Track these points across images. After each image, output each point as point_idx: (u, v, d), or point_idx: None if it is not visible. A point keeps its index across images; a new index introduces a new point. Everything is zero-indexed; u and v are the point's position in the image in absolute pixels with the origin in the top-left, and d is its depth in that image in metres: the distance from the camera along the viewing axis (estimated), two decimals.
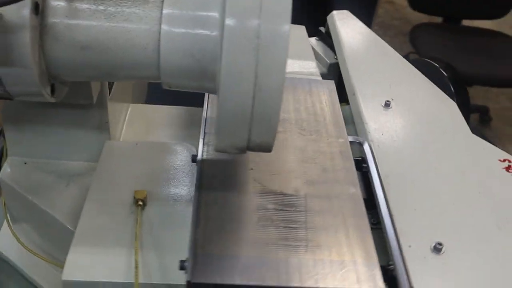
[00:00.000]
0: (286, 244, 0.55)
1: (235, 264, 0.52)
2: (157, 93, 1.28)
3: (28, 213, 0.89)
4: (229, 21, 0.48)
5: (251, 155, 0.66)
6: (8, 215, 0.94)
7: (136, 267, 0.65)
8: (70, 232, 0.81)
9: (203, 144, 0.66)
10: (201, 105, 1.07)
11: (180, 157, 0.83)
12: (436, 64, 1.07)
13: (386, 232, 0.61)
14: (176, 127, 1.03)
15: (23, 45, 0.54)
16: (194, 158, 0.65)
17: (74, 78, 0.61)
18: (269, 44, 0.48)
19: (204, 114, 0.71)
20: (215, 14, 0.54)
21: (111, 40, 0.56)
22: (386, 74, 0.98)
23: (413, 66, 1.03)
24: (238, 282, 0.50)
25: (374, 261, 0.55)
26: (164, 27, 0.55)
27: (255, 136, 0.52)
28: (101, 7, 0.56)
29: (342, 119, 0.75)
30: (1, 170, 0.90)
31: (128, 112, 1.03)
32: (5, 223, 1.02)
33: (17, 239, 0.93)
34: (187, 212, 0.74)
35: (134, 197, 0.74)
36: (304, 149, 0.67)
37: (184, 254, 0.68)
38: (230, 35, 0.48)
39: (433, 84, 0.98)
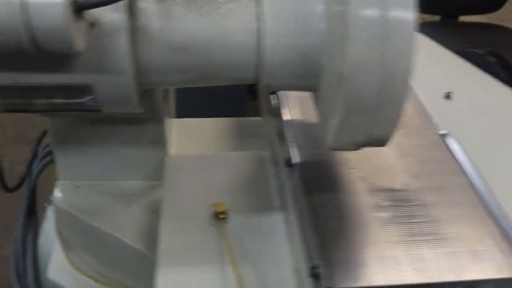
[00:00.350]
0: (413, 240, 0.52)
1: (371, 265, 0.49)
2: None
3: (86, 238, 0.85)
4: (353, 10, 0.45)
5: (347, 153, 0.63)
6: (62, 242, 0.90)
7: (241, 283, 0.61)
8: (138, 253, 0.78)
9: (297, 147, 0.63)
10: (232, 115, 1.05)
11: (249, 166, 0.80)
12: (480, 52, 1.05)
13: (501, 224, 0.58)
14: (225, 138, 1.00)
15: (120, 49, 0.50)
16: (288, 163, 0.62)
17: (164, 84, 0.58)
18: (396, 30, 0.45)
19: (286, 117, 0.67)
20: (319, 6, 0.51)
21: (210, 39, 0.52)
22: (436, 66, 0.96)
23: (457, 56, 1.02)
24: (381, 283, 0.47)
25: (505, 248, 0.52)
26: (265, 23, 0.52)
27: (377, 129, 0.49)
28: (195, 5, 0.53)
29: (425, 110, 0.73)
30: (53, 196, 0.85)
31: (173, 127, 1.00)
32: (57, 251, 0.97)
33: (76, 267, 0.88)
34: (273, 221, 0.71)
35: (214, 211, 0.71)
36: (397, 144, 0.64)
37: (281, 264, 0.65)
38: (356, 24, 0.45)
39: (483, 72, 0.97)
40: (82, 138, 0.82)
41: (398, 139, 0.63)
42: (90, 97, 0.52)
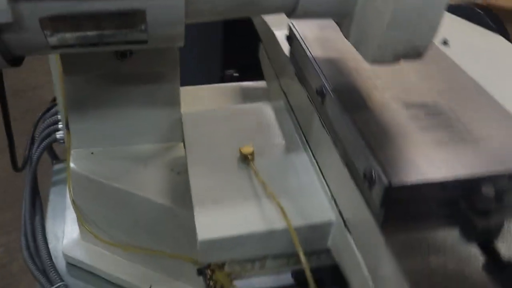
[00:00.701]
0: (456, 142, 0.54)
1: (423, 163, 0.51)
2: None
3: (105, 203, 0.85)
4: None
5: (374, 80, 0.66)
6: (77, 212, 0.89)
7: (282, 210, 0.63)
8: (162, 209, 0.78)
9: (326, 79, 0.65)
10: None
11: (265, 115, 0.82)
12: (470, 6, 1.10)
13: None
14: (228, 102, 1.01)
15: None
16: (321, 92, 0.64)
17: (208, 14, 0.58)
18: None
19: (309, 54, 0.70)
20: None
21: None
22: None
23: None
24: (436, 178, 0.50)
25: None
26: None
27: (417, 38, 0.52)
28: None
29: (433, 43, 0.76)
30: (68, 165, 0.84)
31: None
32: (69, 227, 0.97)
33: (93, 235, 0.87)
34: (298, 159, 0.73)
35: (241, 153, 0.72)
36: (417, 69, 0.67)
37: (314, 194, 0.67)
38: None
39: (471, 23, 1.02)
40: (97, 102, 0.82)
41: (417, 66, 0.67)
42: (141, 25, 0.53)
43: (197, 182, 0.69)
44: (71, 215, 0.99)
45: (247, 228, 0.63)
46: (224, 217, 0.64)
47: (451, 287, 0.48)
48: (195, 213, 0.64)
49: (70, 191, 0.87)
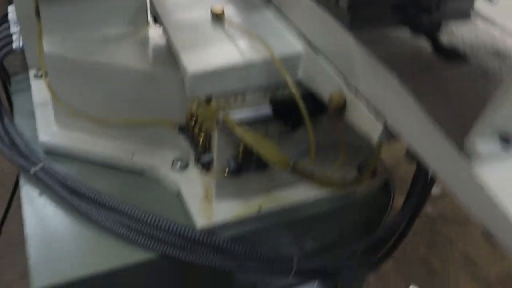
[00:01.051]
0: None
1: None
2: None
3: (82, 85, 0.91)
4: None
5: None
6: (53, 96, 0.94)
7: (264, 42, 0.73)
8: (145, 75, 0.86)
9: None
10: None
11: None
12: None
13: None
14: None
15: None
16: None
17: None
18: None
19: None
20: None
21: None
22: None
23: None
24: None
25: None
26: None
27: None
28: None
29: None
30: (42, 49, 0.90)
31: None
32: (42, 117, 1.01)
33: (71, 112, 0.93)
34: (264, 16, 0.83)
35: (213, 13, 0.81)
36: None
37: (282, 37, 0.78)
38: None
39: None
40: None
41: None
42: None
43: (178, 37, 0.78)
44: (41, 114, 1.03)
45: (229, 61, 0.73)
46: (208, 55, 0.74)
47: (411, 64, 0.60)
48: (181, 55, 0.73)
49: (44, 76, 0.93)
